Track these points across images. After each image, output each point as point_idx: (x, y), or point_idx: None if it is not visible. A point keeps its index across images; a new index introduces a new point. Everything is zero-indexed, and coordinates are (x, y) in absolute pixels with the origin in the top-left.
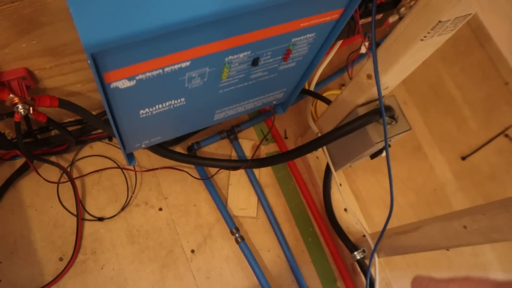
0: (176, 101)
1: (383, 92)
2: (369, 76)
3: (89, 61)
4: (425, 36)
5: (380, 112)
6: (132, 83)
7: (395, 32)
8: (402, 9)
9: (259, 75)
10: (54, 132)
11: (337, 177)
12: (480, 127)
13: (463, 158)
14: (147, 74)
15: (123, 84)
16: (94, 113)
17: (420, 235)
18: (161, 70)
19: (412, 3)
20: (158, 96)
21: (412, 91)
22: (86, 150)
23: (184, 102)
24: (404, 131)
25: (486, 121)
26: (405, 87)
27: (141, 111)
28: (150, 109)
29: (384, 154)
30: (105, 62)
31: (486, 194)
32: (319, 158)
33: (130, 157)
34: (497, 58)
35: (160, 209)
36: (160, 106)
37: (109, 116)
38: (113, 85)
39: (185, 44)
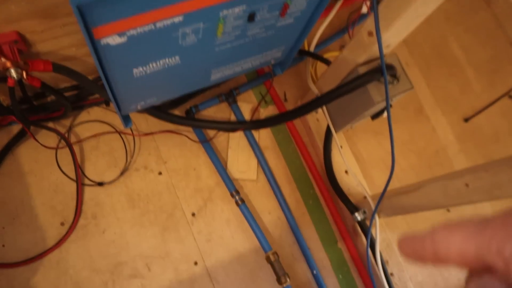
0: (170, 60)
1: (385, 50)
2: (370, 33)
3: (75, 14)
4: None
5: (382, 71)
6: (123, 39)
7: None
8: None
9: (256, 32)
10: (50, 99)
11: (338, 139)
12: (484, 89)
13: (466, 120)
14: (138, 29)
15: (114, 40)
16: (90, 78)
17: (422, 195)
18: (152, 26)
19: None
20: (151, 54)
21: (414, 52)
22: (83, 116)
23: (179, 61)
24: (406, 90)
25: (490, 83)
26: (407, 48)
27: (135, 70)
28: (144, 68)
29: (385, 114)
30: (92, 16)
31: (488, 156)
32: (320, 120)
33: (126, 119)
34: (504, 17)
35: (160, 173)
36: (154, 65)
37: (101, 75)
38: (104, 41)
39: None
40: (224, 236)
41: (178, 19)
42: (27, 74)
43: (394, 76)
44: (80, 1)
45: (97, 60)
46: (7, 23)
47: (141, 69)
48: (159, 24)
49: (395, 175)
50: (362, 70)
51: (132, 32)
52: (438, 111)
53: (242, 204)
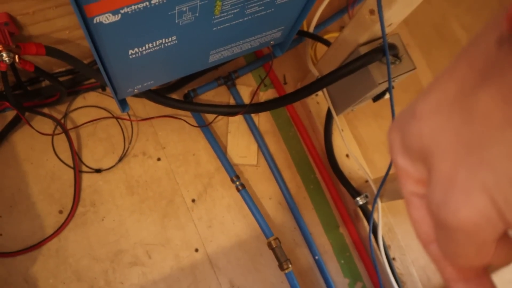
0: (167, 40)
1: (387, 30)
2: (371, 12)
3: None
4: None
5: (384, 50)
6: (117, 17)
7: None
8: None
9: (254, 10)
10: (45, 84)
11: (339, 122)
12: None
13: None
14: (133, 6)
15: (107, 18)
16: (85, 62)
17: None
18: (147, 2)
19: None
20: (147, 33)
21: (415, 32)
22: (79, 101)
23: (176, 41)
24: (409, 71)
25: None
26: (408, 28)
27: (130, 51)
28: (140, 49)
29: (387, 96)
30: None
31: None
32: (320, 103)
33: (123, 103)
34: None
35: (159, 159)
36: (150, 45)
37: (96, 57)
38: (96, 19)
39: None
40: (225, 222)
41: None
42: (19, 58)
43: (397, 56)
44: None
45: (90, 40)
46: None
47: (136, 50)
48: (154, 1)
49: None
50: (363, 50)
51: (126, 9)
52: None
53: (242, 189)
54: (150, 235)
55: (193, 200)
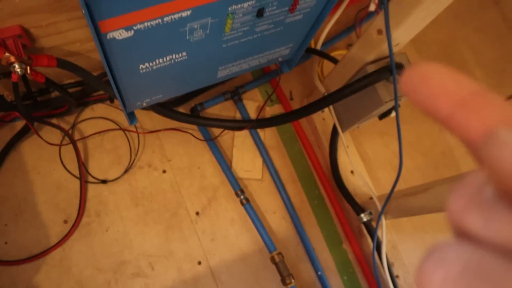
0: (177, 56)
1: (394, 49)
2: (379, 32)
3: (82, 7)
4: None
5: (391, 69)
6: (130, 33)
7: None
8: None
9: (264, 28)
10: (54, 95)
11: (344, 138)
12: (492, 89)
13: None
14: (146, 23)
15: (120, 34)
16: (94, 74)
17: (429, 196)
18: (160, 20)
19: None
20: (158, 49)
21: (422, 51)
22: (88, 112)
23: (186, 57)
24: None
25: (498, 83)
26: (415, 47)
27: (141, 66)
28: (150, 64)
29: (393, 114)
30: (100, 9)
31: None
32: (326, 119)
33: (131, 116)
34: None
35: (164, 171)
36: (161, 60)
37: (107, 71)
38: (110, 35)
39: None
40: (229, 236)
41: (186, 13)
42: (31, 69)
43: None
44: None
45: (103, 55)
46: (11, 17)
47: (147, 64)
48: (166, 19)
49: (401, 176)
50: (370, 68)
51: (139, 26)
52: None
53: (246, 203)
54: (154, 247)
55: (197, 213)
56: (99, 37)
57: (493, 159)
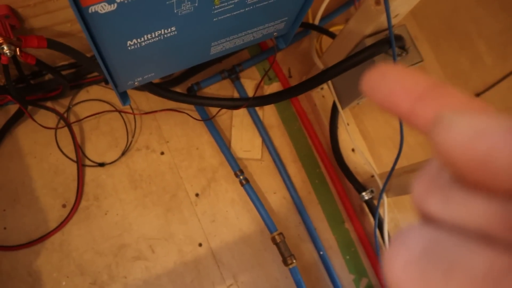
0: (166, 31)
1: (393, 21)
2: (377, 2)
3: None
4: None
5: (390, 42)
6: (113, 7)
7: None
8: None
9: (256, 0)
10: (48, 78)
11: (344, 116)
12: (496, 63)
13: (477, 95)
14: None
15: (103, 8)
16: (88, 55)
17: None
18: None
19: None
20: (145, 24)
21: (423, 25)
22: (82, 95)
23: (176, 32)
24: (416, 63)
25: (502, 56)
26: (416, 21)
27: (129, 42)
28: (139, 40)
29: None
30: None
31: None
32: (325, 96)
33: (123, 96)
34: None
35: (162, 153)
36: (149, 36)
37: (93, 48)
38: (92, 9)
39: None
40: (229, 217)
41: None
42: (20, 51)
43: (403, 48)
44: None
45: (87, 31)
46: None
47: (135, 41)
48: None
49: (403, 153)
50: (369, 42)
51: None
52: None
53: (246, 184)
54: (154, 229)
55: (197, 195)
56: (81, 11)
57: (440, 142)
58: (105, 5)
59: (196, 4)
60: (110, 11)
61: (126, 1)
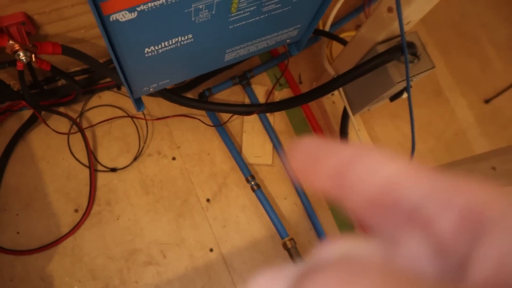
0: (183, 38)
1: (405, 28)
2: (390, 9)
3: None
4: None
5: (402, 49)
6: (133, 15)
7: None
8: None
9: (271, 7)
10: (61, 83)
11: (355, 122)
12: (505, 68)
13: (487, 101)
14: (149, 4)
15: (124, 16)
16: (100, 61)
17: None
18: (163, 0)
19: None
20: (163, 31)
21: (433, 31)
22: (95, 100)
23: (192, 39)
24: (428, 70)
25: (511, 61)
26: (425, 27)
27: (146, 50)
28: (156, 47)
29: (405, 95)
30: None
31: (510, 139)
32: (336, 103)
33: (138, 102)
34: None
35: (173, 159)
36: (166, 43)
37: (112, 55)
38: (113, 17)
39: None
40: (240, 222)
41: None
42: (36, 57)
43: (415, 55)
44: None
45: (107, 39)
46: (14, 3)
47: (152, 48)
48: None
49: (413, 159)
50: (381, 48)
51: (143, 7)
52: (458, 93)
53: (257, 189)
54: (165, 234)
55: (208, 200)
56: (102, 19)
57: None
58: (126, 13)
59: (213, 12)
60: (130, 19)
61: (146, 10)
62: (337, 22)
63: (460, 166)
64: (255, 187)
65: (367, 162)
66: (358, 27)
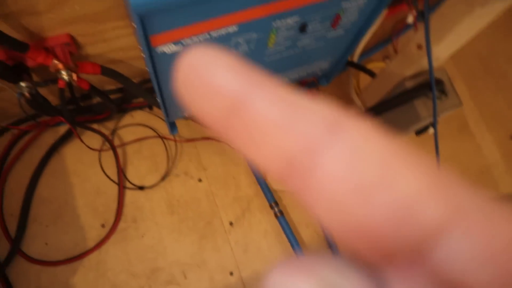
0: None
1: (434, 64)
2: (419, 47)
3: (136, 23)
4: (486, 3)
5: (430, 86)
6: (179, 48)
7: None
8: None
9: (306, 42)
10: (96, 101)
11: None
12: None
13: None
14: (194, 38)
15: (170, 48)
16: (134, 81)
17: None
18: (208, 35)
19: None
20: None
21: (459, 64)
22: (127, 119)
23: None
24: (455, 107)
25: None
26: (452, 60)
27: None
28: None
29: (431, 131)
30: (152, 24)
31: None
32: None
33: (172, 126)
34: None
35: (200, 180)
36: None
37: (154, 82)
38: (160, 49)
39: (233, 6)
40: (261, 248)
41: (232, 29)
42: (77, 76)
43: (443, 92)
44: (142, 11)
45: (152, 67)
46: (61, 25)
47: None
48: (214, 34)
49: None
50: (409, 84)
51: (188, 41)
52: (484, 128)
53: (280, 216)
54: (187, 255)
55: (231, 223)
56: (150, 50)
57: None
58: (172, 46)
59: (252, 47)
60: (176, 51)
61: (191, 43)
62: (365, 53)
63: None
64: (278, 214)
65: (354, 153)
66: (385, 57)
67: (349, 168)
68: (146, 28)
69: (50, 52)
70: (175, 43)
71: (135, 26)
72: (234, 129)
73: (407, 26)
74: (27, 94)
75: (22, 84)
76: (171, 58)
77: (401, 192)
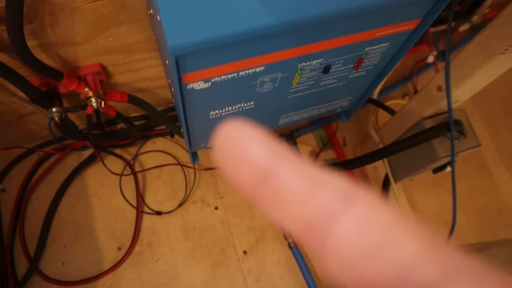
0: (245, 104)
1: (453, 106)
2: (439, 88)
3: (171, 63)
4: (506, 50)
5: (449, 126)
6: (208, 85)
7: (472, 43)
8: (475, 17)
9: (328, 82)
10: (120, 127)
11: (396, 189)
12: None
13: None
14: (223, 77)
15: (199, 85)
16: (158, 109)
17: (485, 258)
18: (236, 74)
19: (486, 11)
20: (229, 98)
21: (479, 104)
22: (149, 145)
23: (253, 106)
24: (473, 147)
25: None
26: (472, 99)
27: (211, 112)
28: (220, 111)
29: (448, 169)
30: (185, 64)
31: None
32: (378, 168)
33: (194, 155)
34: None
35: (216, 208)
36: (230, 108)
37: (181, 115)
38: (190, 86)
39: (263, 50)
40: (273, 278)
41: (260, 68)
42: (105, 103)
43: (461, 132)
44: (179, 52)
45: (180, 102)
46: (94, 55)
47: (217, 111)
48: (242, 73)
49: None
50: (428, 124)
51: (217, 79)
52: (503, 167)
53: (294, 247)
54: (200, 281)
55: (245, 252)
56: (180, 87)
57: None
58: (201, 83)
59: (276, 85)
60: (204, 88)
61: (219, 81)
62: (384, 89)
63: (505, 248)
64: (292, 244)
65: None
66: (405, 95)
67: (359, 232)
68: (179, 67)
69: (82, 80)
70: (205, 80)
71: (169, 65)
72: (263, 194)
73: (427, 65)
74: (57, 118)
75: (53, 109)
76: (199, 93)
77: (402, 254)
